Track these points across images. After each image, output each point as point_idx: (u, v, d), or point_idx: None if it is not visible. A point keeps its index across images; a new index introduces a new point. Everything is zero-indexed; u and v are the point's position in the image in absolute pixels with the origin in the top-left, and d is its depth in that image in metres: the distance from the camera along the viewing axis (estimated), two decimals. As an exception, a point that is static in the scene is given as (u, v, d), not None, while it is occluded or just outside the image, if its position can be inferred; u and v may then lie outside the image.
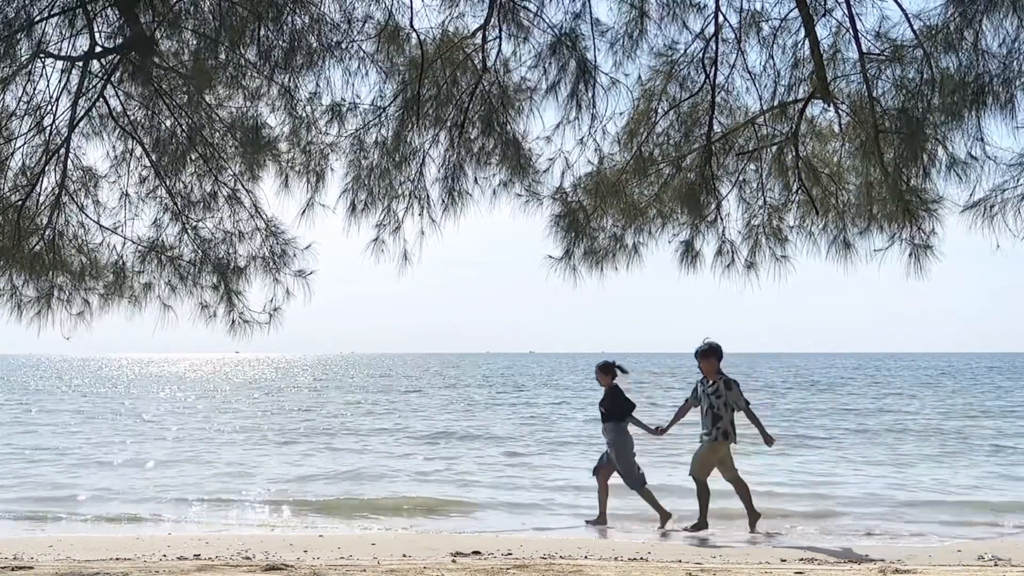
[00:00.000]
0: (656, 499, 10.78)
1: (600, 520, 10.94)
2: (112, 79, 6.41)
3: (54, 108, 6.35)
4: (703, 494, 10.39)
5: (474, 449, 20.55)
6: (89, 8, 5.97)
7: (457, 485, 15.06)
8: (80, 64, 6.22)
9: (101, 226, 6.85)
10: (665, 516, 10.78)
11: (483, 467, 17.32)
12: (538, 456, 19.10)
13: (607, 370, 10.93)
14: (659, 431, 10.77)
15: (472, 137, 6.50)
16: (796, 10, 5.83)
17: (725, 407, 10.23)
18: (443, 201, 6.63)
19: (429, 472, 16.60)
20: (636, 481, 10.66)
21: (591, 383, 55.06)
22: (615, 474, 10.77)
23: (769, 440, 10.40)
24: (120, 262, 6.90)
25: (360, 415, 30.49)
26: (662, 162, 6.44)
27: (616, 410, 10.75)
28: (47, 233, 6.59)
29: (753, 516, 10.48)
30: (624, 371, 11.05)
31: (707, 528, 10.41)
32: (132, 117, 6.67)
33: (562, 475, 15.89)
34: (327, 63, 6.16)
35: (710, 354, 10.40)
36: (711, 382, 10.40)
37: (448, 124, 6.47)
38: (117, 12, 5.94)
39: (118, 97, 6.58)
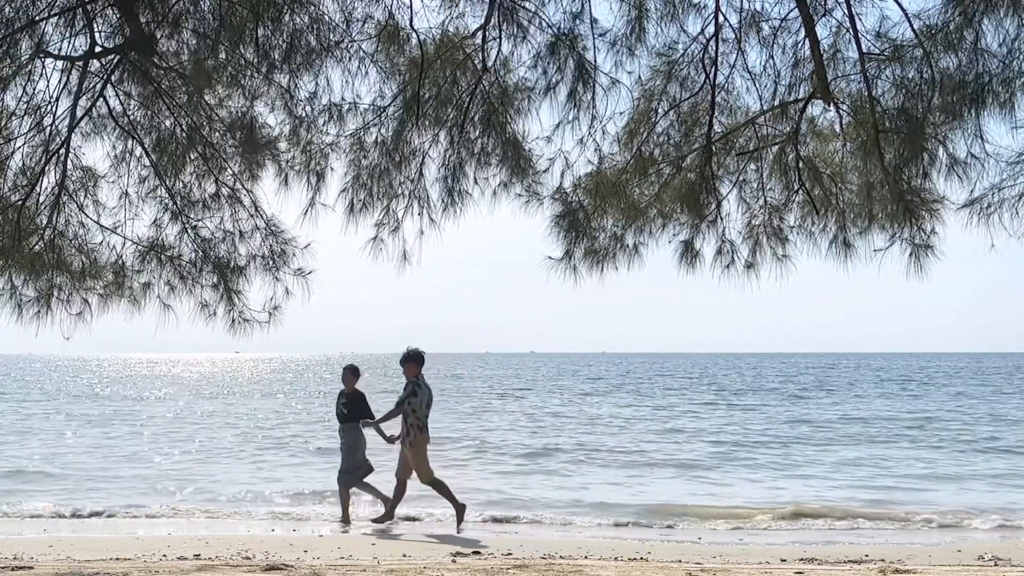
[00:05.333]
0: (348, 501, 11.43)
1: (387, 516, 11.33)
2: (112, 79, 6.40)
3: (54, 108, 6.35)
4: (444, 490, 11.04)
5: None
6: (89, 8, 5.96)
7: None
8: (80, 64, 6.21)
9: (101, 226, 6.84)
10: (346, 517, 11.34)
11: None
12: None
13: (356, 372, 11.59)
14: (390, 440, 11.20)
15: (472, 137, 6.49)
16: (796, 10, 5.82)
17: (420, 406, 10.86)
18: (443, 201, 6.62)
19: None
20: (348, 482, 11.26)
21: (584, 386, 55.10)
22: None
23: (385, 436, 11.15)
24: (120, 262, 6.89)
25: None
26: (662, 162, 6.43)
27: (357, 413, 11.27)
28: (47, 233, 6.58)
29: (389, 514, 11.13)
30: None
31: (464, 511, 11.09)
32: (132, 117, 6.66)
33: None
34: (326, 63, 6.16)
35: (410, 360, 10.99)
36: (409, 385, 10.99)
37: (448, 124, 6.46)
38: (117, 12, 5.94)
39: (118, 97, 6.58)
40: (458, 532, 10.83)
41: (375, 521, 11.21)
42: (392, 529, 10.97)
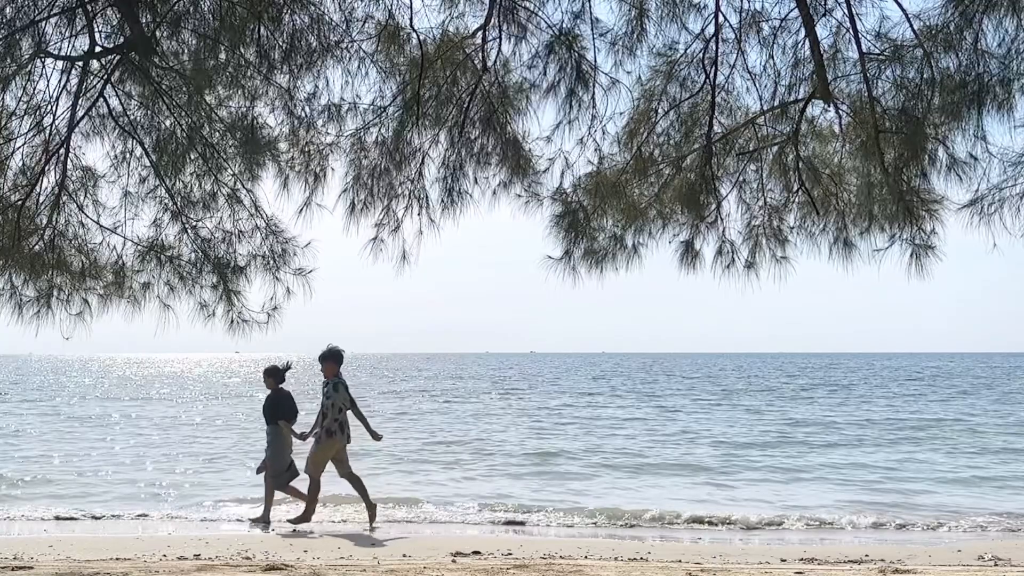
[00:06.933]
0: (301, 492, 11.23)
1: (263, 517, 11.31)
2: (112, 79, 6.40)
3: (54, 108, 6.34)
4: (313, 489, 10.97)
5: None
6: (89, 8, 5.96)
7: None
8: (80, 64, 6.21)
9: (101, 226, 6.84)
10: (267, 516, 11.26)
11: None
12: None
13: (272, 374, 11.50)
14: (303, 437, 11.21)
15: (472, 137, 6.49)
16: (796, 10, 5.82)
17: (333, 407, 10.79)
18: (443, 201, 6.62)
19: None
20: (280, 482, 11.24)
21: (585, 386, 55.04)
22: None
23: (375, 436, 11.08)
24: (120, 262, 6.89)
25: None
26: (662, 162, 6.43)
27: (274, 414, 11.29)
28: (47, 233, 6.58)
29: (370, 508, 11.06)
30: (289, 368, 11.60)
31: (310, 521, 10.95)
32: (132, 117, 6.66)
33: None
34: (326, 63, 6.16)
35: (329, 358, 11.01)
36: (328, 384, 10.98)
37: (448, 124, 6.46)
38: (117, 12, 5.94)
39: (118, 97, 6.57)
40: (294, 525, 10.94)
41: (292, 520, 11.09)
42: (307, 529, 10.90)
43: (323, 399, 10.88)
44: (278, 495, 11.42)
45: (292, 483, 11.29)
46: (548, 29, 6.15)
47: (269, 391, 11.45)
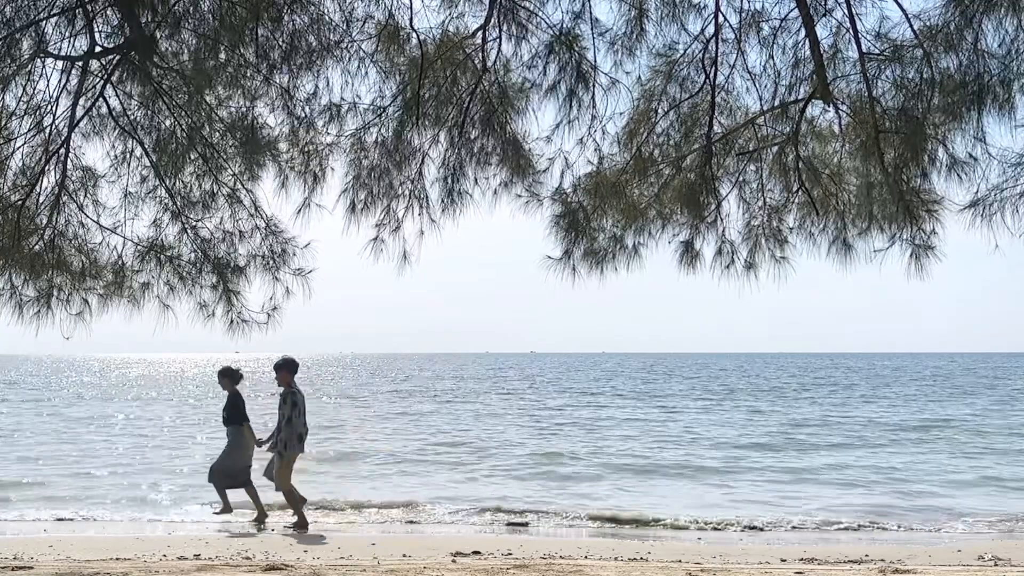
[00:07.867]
0: (227, 496, 11.33)
1: (259, 518, 11.35)
2: (112, 79, 6.40)
3: (54, 108, 6.34)
4: (292, 500, 11.06)
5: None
6: (89, 8, 5.96)
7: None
8: (80, 64, 6.21)
9: (101, 226, 6.84)
10: (227, 508, 11.32)
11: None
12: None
13: (228, 375, 11.51)
14: (259, 443, 11.25)
15: (472, 137, 6.49)
16: (796, 10, 5.82)
17: (285, 419, 10.87)
18: (443, 201, 6.62)
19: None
20: (222, 482, 11.22)
21: (586, 387, 54.99)
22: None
23: (259, 443, 11.14)
24: (120, 262, 6.89)
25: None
26: (662, 162, 6.43)
27: (234, 416, 11.29)
28: (47, 233, 6.58)
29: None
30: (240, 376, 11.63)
31: (307, 527, 10.97)
32: (132, 117, 6.66)
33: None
34: (327, 63, 6.16)
35: (283, 368, 11.03)
36: (281, 396, 11.00)
37: (448, 124, 6.46)
38: (117, 12, 5.94)
39: (118, 97, 6.57)
40: (294, 530, 10.86)
41: (293, 527, 11.01)
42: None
43: (278, 413, 10.90)
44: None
45: (229, 491, 11.27)
46: (548, 29, 6.15)
47: (227, 393, 11.39)
